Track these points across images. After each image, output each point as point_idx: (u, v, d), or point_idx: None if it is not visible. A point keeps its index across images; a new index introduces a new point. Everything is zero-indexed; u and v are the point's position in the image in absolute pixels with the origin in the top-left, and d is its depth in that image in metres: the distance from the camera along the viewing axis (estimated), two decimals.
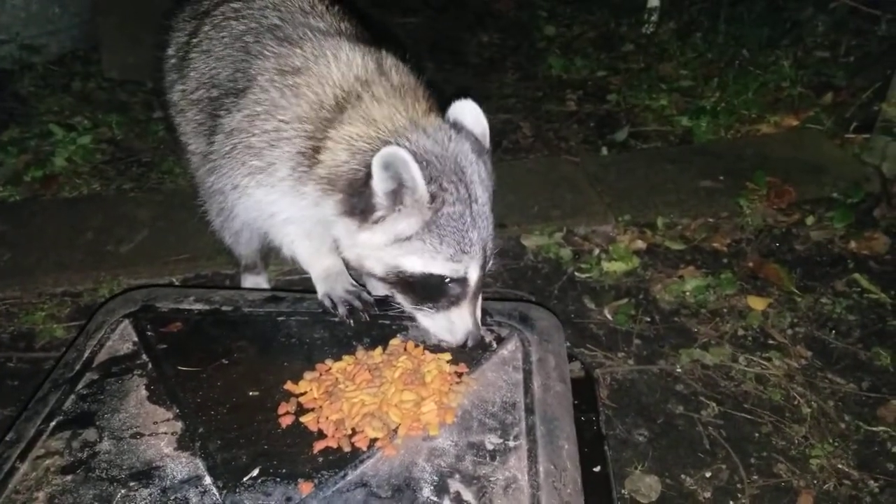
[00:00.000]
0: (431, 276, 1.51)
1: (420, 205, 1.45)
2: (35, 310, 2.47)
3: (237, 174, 1.66)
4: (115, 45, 3.93)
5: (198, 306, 1.76)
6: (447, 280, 1.52)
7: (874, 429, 2.10)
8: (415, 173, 1.41)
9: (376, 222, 1.49)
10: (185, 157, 2.08)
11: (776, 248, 2.82)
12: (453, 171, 1.48)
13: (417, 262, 1.51)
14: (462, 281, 1.53)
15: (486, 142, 1.62)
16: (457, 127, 1.57)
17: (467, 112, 1.60)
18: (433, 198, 1.45)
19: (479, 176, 1.52)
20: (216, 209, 1.93)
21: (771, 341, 2.39)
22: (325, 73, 1.60)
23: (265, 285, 2.48)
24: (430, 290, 1.55)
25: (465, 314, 1.56)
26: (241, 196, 1.69)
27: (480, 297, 1.61)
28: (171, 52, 2.10)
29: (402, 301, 1.61)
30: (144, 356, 1.60)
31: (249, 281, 2.46)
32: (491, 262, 1.58)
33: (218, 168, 1.71)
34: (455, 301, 1.55)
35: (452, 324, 1.57)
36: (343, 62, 1.62)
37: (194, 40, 1.95)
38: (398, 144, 1.45)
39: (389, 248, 1.51)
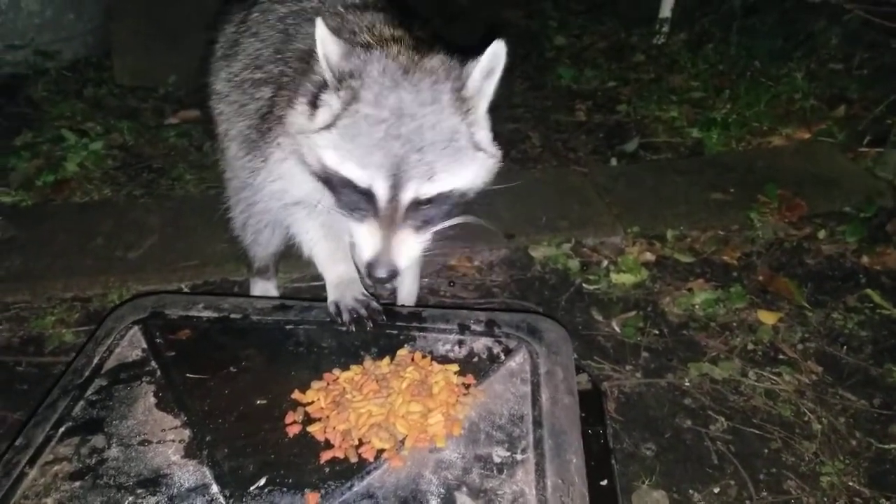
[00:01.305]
0: (343, 178, 1.47)
1: (333, 86, 1.46)
2: (45, 314, 2.48)
3: (268, 148, 1.71)
4: (127, 51, 3.97)
5: (206, 314, 1.77)
6: (357, 188, 1.46)
7: (886, 446, 2.08)
8: (327, 42, 1.42)
9: (317, 107, 1.51)
10: (222, 147, 2.10)
11: (787, 261, 2.81)
12: (390, 78, 1.43)
13: (333, 157, 1.47)
14: (369, 194, 1.46)
15: (483, 81, 1.49)
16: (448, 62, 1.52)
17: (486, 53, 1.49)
18: (340, 80, 1.44)
19: (429, 99, 1.43)
20: (243, 203, 1.99)
21: (781, 356, 2.37)
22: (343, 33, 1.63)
23: (274, 291, 2.49)
24: (347, 196, 1.50)
25: (373, 233, 1.47)
26: (268, 175, 1.73)
27: (410, 232, 1.49)
28: (219, 44, 2.15)
29: (336, 206, 1.56)
30: (153, 363, 1.61)
31: (259, 286, 2.47)
32: (412, 192, 1.44)
33: (256, 146, 1.77)
34: (367, 217, 1.48)
35: (362, 241, 1.50)
36: (362, 23, 1.66)
37: (242, 27, 2.02)
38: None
39: (317, 136, 1.49)
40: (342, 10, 1.77)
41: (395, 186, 1.43)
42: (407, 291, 2.33)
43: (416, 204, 1.46)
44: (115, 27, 3.97)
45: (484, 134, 1.53)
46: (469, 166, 1.49)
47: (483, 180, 1.58)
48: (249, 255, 2.35)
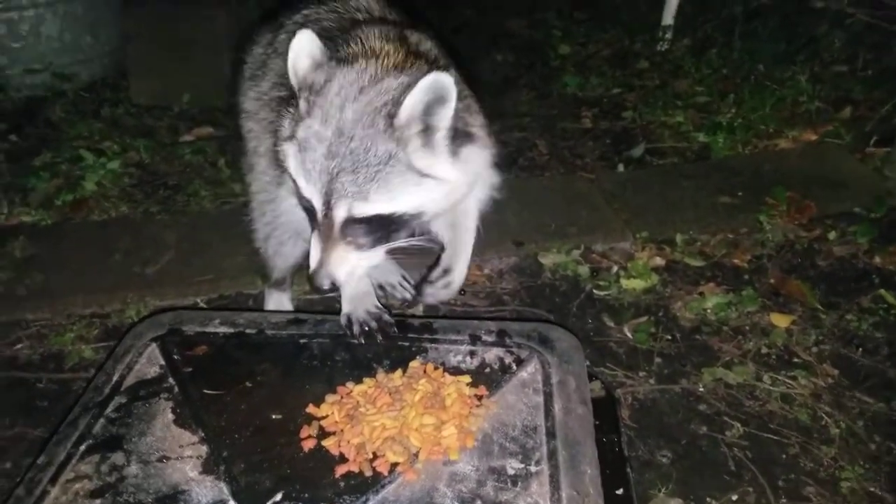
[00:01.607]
0: (298, 189, 1.53)
1: (297, 96, 1.51)
2: (65, 331, 2.52)
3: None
4: (143, 72, 4.05)
5: (223, 329, 1.80)
6: (305, 199, 1.52)
7: None
8: (300, 54, 1.49)
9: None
10: (250, 163, 2.17)
11: (798, 263, 2.80)
12: (342, 96, 1.46)
13: (293, 166, 1.53)
14: (311, 207, 1.52)
15: (429, 109, 1.45)
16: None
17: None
18: (301, 91, 1.50)
19: (369, 122, 1.44)
20: (269, 215, 2.09)
21: (796, 359, 2.36)
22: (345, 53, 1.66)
23: (288, 303, 2.52)
24: (303, 207, 1.56)
25: (316, 245, 1.53)
26: (289, 187, 1.76)
27: (350, 249, 1.53)
28: (248, 64, 2.21)
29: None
30: (171, 380, 1.64)
31: (274, 297, 2.50)
32: (343, 211, 1.48)
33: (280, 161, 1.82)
34: (315, 228, 1.54)
35: (311, 251, 1.55)
36: (362, 42, 1.67)
37: (270, 49, 2.09)
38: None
39: (285, 144, 1.56)
40: (349, 27, 1.80)
41: (328, 204, 1.48)
42: (454, 281, 2.04)
43: (353, 222, 1.49)
44: (131, 49, 4.05)
45: (433, 161, 1.51)
46: (412, 192, 1.50)
47: (439, 205, 1.59)
48: (269, 267, 2.38)
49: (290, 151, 1.54)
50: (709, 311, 2.57)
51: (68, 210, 3.19)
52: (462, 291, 2.66)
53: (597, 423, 1.59)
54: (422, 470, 1.40)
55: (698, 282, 2.71)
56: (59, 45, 4.12)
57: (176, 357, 1.70)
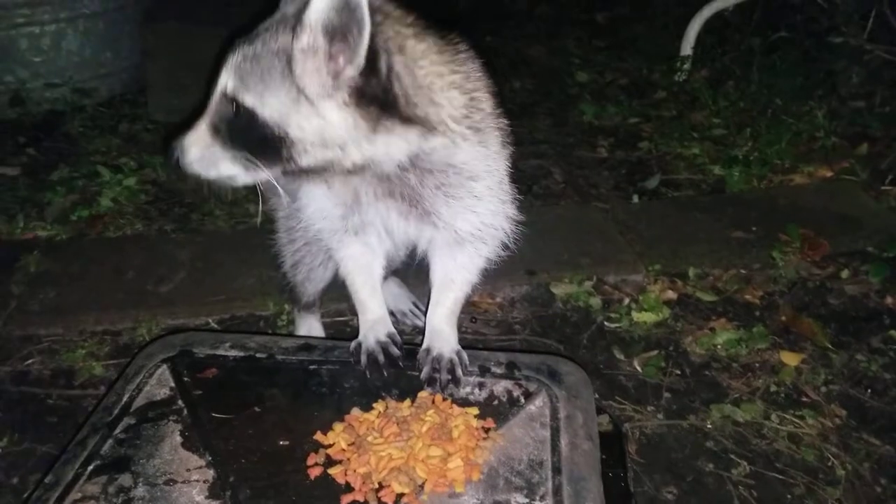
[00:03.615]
0: None
1: None
2: (76, 347, 2.55)
3: None
4: (161, 88, 4.10)
5: (233, 352, 1.81)
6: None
7: None
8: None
9: None
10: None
11: (810, 301, 2.78)
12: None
13: None
14: None
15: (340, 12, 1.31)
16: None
17: None
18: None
19: (282, 20, 1.45)
20: (297, 242, 2.09)
21: (804, 398, 2.35)
22: None
23: (318, 326, 2.49)
24: None
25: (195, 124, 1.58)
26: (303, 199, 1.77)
27: (209, 131, 1.56)
28: None
29: None
30: (180, 402, 1.65)
31: (305, 321, 2.45)
32: (225, 79, 1.50)
33: None
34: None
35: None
36: None
37: None
38: None
39: None
40: None
41: (220, 74, 1.48)
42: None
43: (225, 101, 1.47)
44: (149, 65, 4.11)
45: (326, 93, 1.36)
46: (282, 102, 1.39)
47: (304, 140, 1.42)
48: (298, 292, 2.35)
49: None
50: (719, 346, 2.56)
51: (84, 226, 3.22)
52: (473, 319, 2.67)
53: (603, 457, 1.58)
54: (427, 502, 1.39)
55: (710, 317, 2.71)
56: (79, 59, 4.19)
57: (186, 379, 1.71)
